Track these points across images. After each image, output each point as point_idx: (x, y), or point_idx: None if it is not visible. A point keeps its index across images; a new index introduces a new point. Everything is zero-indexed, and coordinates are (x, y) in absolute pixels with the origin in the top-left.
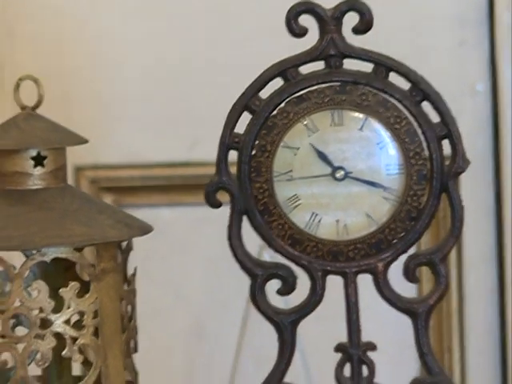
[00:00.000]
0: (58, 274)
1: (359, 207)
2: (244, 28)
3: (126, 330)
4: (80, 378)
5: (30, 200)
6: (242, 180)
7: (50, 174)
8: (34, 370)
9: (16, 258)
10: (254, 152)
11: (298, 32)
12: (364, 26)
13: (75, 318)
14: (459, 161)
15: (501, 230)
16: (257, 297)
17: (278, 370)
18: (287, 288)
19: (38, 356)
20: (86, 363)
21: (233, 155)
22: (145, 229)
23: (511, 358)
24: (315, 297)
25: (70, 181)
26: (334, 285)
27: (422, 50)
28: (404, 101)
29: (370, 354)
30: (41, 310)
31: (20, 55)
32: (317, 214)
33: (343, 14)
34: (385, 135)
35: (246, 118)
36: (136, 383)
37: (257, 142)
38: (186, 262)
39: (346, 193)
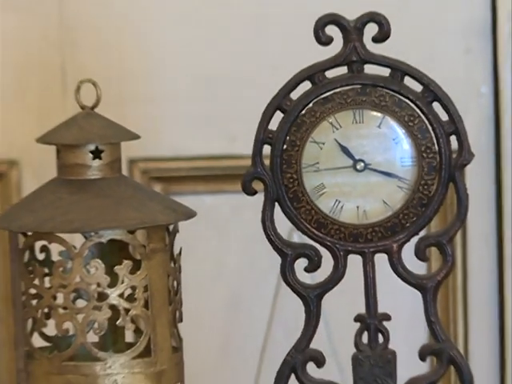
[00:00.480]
0: (113, 253)
1: (377, 195)
2: (277, 37)
3: (172, 302)
4: (132, 345)
5: (88, 188)
6: (274, 171)
7: (107, 165)
8: (92, 338)
9: (77, 240)
10: (285, 146)
11: (324, 41)
12: (382, 36)
13: (128, 291)
14: (465, 154)
15: (500, 215)
16: (287, 274)
17: (304, 338)
18: (313, 266)
19: (96, 325)
20: (137, 331)
21: (266, 149)
22: (189, 213)
23: (510, 327)
24: (337, 274)
25: (124, 171)
26: (354, 263)
27: (433, 57)
28: (417, 101)
29: (385, 323)
30: (98, 285)
31: (80, 61)
32: (340, 201)
33: (364, 24)
34: (400, 132)
35: (278, 116)
36: (181, 349)
37: (287, 137)
38: (224, 243)
39: (365, 182)
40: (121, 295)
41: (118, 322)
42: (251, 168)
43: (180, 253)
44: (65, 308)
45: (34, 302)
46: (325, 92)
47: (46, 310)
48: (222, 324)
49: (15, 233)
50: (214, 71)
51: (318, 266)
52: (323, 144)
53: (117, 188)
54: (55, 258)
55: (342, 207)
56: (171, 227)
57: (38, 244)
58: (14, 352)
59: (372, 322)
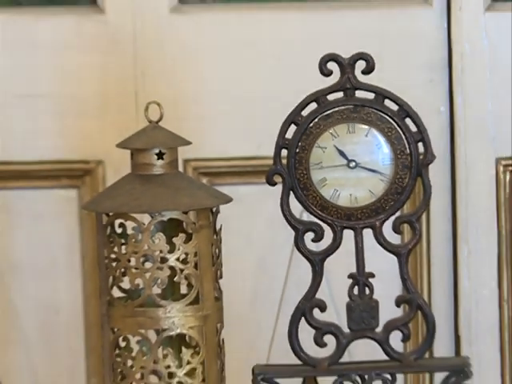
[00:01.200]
0: (171, 228)
1: (364, 186)
2: (293, 71)
3: (214, 264)
4: (185, 295)
5: (154, 181)
6: (289, 168)
7: (167, 164)
8: (156, 290)
9: (145, 218)
10: (297, 150)
11: (326, 73)
12: (369, 69)
13: (182, 256)
14: (429, 156)
15: (454, 200)
16: (299, 243)
17: (311, 291)
18: (318, 238)
19: (159, 281)
20: (189, 285)
21: (284, 152)
22: (227, 199)
23: (461, 283)
24: (335, 244)
25: (180, 169)
26: (348, 237)
27: (406, 85)
28: (394, 117)
29: (371, 279)
30: (160, 252)
31: (148, 88)
32: (337, 190)
33: (355, 61)
34: (381, 139)
35: (292, 128)
36: (221, 299)
37: (299, 143)
38: (253, 221)
39: (356, 176)
40: (177, 259)
41: (175, 279)
42: (273, 166)
43: (220, 228)
44: (136, 268)
45: (114, 264)
46: (326, 110)
47: (122, 270)
48: (251, 281)
49: (100, 213)
50: (247, 95)
51: (322, 238)
52: (325, 148)
53: (174, 181)
54: (129, 231)
55: (339, 195)
56: (214, 209)
57: (117, 221)
58: (99, 301)
59: (361, 278)
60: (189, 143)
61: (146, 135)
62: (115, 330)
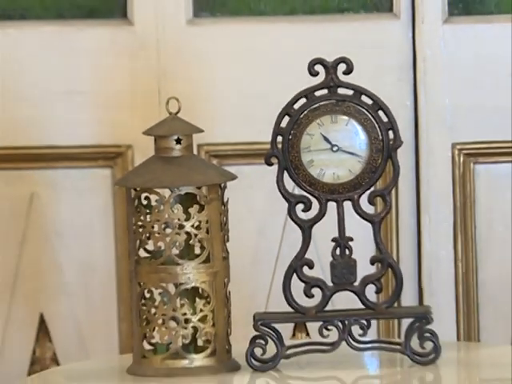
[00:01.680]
0: (187, 200)
1: (345, 166)
2: (288, 73)
3: (222, 229)
4: (198, 255)
5: (173, 162)
6: (284, 151)
7: (184, 148)
8: (175, 251)
9: (166, 193)
10: (290, 137)
11: (313, 73)
12: (349, 71)
13: (196, 223)
14: (397, 142)
15: (418, 179)
16: (291, 213)
17: (301, 251)
18: (307, 208)
19: (177, 244)
20: (202, 247)
21: (279, 139)
22: (233, 177)
23: (424, 243)
24: (321, 213)
25: (195, 152)
26: (332, 207)
27: (379, 82)
28: (369, 110)
29: (350, 243)
30: (178, 220)
31: (169, 86)
32: (323, 170)
33: (337, 64)
34: (359, 128)
35: (286, 119)
36: (227, 258)
37: (292, 131)
38: (254, 195)
39: (338, 158)
40: (192, 226)
41: (190, 242)
42: (270, 150)
43: (227, 201)
44: (158, 233)
45: (140, 230)
46: (314, 104)
47: (147, 235)
48: (252, 244)
49: (129, 188)
50: (249, 92)
51: (310, 209)
52: (313, 135)
53: (190, 162)
54: (153, 203)
55: (324, 173)
56: (222, 185)
57: (143, 195)
58: (128, 260)
59: (342, 242)
60: (201, 131)
61: (167, 124)
62: (141, 283)
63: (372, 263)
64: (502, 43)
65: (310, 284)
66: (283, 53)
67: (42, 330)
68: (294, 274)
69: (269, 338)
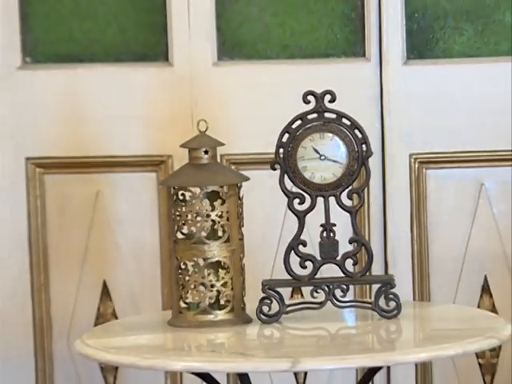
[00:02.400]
0: (213, 196)
1: (330, 170)
2: (289, 101)
3: (239, 218)
4: (221, 237)
5: (202, 167)
6: (284, 160)
7: (210, 157)
8: (203, 234)
9: (197, 190)
10: (289, 149)
11: (306, 102)
12: (333, 100)
13: (219, 213)
14: (369, 152)
15: (384, 180)
16: (290, 205)
17: (297, 234)
18: (301, 202)
19: (205, 228)
20: (223, 231)
21: (281, 150)
22: (246, 178)
23: (388, 229)
24: (312, 205)
25: (218, 160)
26: (320, 201)
27: (355, 108)
28: (348, 129)
29: (334, 228)
30: (206, 210)
31: (200, 111)
32: (313, 173)
33: (324, 94)
34: (340, 142)
35: (286, 136)
36: (243, 239)
37: (290, 145)
38: (262, 192)
39: (324, 165)
40: (216, 215)
41: (214, 227)
42: (274, 158)
43: (242, 196)
44: (191, 221)
45: (178, 218)
46: (307, 124)
47: (182, 222)
48: (261, 228)
49: (169, 187)
50: (259, 116)
51: (304, 202)
52: (306, 148)
53: (214, 167)
54: (187, 198)
55: (314, 176)
56: (238, 185)
57: (180, 192)
58: (169, 240)
59: (327, 226)
60: (223, 144)
61: (198, 140)
62: (178, 258)
63: (350, 243)
64: (446, 79)
65: (303, 258)
66: (284, 86)
67: (105, 292)
68: (292, 251)
69: (273, 299)
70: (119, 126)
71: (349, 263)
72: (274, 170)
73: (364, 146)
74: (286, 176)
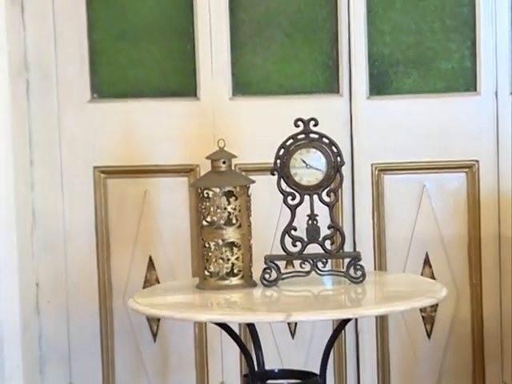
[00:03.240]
0: (229, 194)
1: (314, 176)
2: (284, 125)
3: (248, 210)
4: (234, 224)
5: (221, 174)
6: (281, 168)
7: (227, 166)
8: (222, 221)
9: (217, 190)
10: (284, 160)
11: (296, 126)
12: (316, 124)
13: (233, 207)
14: (342, 162)
15: (353, 184)
16: (284, 201)
17: (290, 222)
18: (293, 198)
19: (223, 218)
20: (236, 220)
21: (278, 161)
22: (252, 181)
23: (356, 218)
24: (301, 201)
25: (233, 168)
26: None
27: (332, 130)
28: (327, 146)
29: (317, 217)
30: (223, 204)
31: (219, 132)
32: (302, 178)
33: (310, 121)
34: (321, 155)
35: (282, 150)
36: (250, 226)
37: (285, 157)
38: (264, 191)
39: (309, 172)
40: (231, 208)
41: (230, 217)
42: (273, 167)
43: (250, 194)
44: (213, 212)
45: (203, 210)
46: (297, 142)
47: (206, 213)
48: (263, 219)
49: (197, 188)
50: (263, 136)
51: (295, 198)
52: (296, 159)
53: (230, 173)
54: (210, 196)
55: (302, 179)
56: (247, 186)
57: (205, 191)
58: (197, 226)
59: (312, 216)
60: (236, 156)
61: (218, 154)
62: (203, 239)
63: (328, 228)
64: (397, 110)
65: (294, 239)
66: (280, 115)
67: (150, 264)
68: (286, 234)
69: (272, 269)
70: (161, 143)
71: (327, 243)
72: (273, 175)
73: (338, 158)
74: (281, 180)
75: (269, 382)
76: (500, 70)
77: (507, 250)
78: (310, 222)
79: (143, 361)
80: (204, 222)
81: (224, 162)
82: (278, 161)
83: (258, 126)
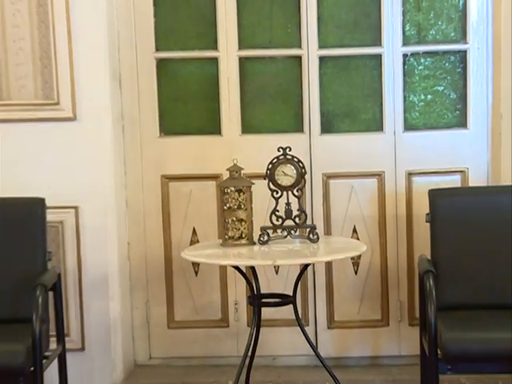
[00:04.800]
0: (239, 190)
1: (289, 180)
2: (271, 151)
3: (251, 200)
4: (243, 208)
5: (234, 178)
6: (269, 175)
7: (238, 174)
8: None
9: (233, 188)
10: (271, 171)
11: (278, 151)
12: (290, 150)
13: (242, 199)
14: (305, 172)
15: (312, 184)
16: (272, 195)
17: (275, 207)
18: (277, 193)
19: (236, 205)
20: (245, 206)
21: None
22: (253, 183)
23: (313, 204)
24: (281, 194)
25: (242, 175)
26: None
27: (300, 155)
28: (297, 162)
29: (291, 204)
30: (236, 196)
31: (234, 154)
32: (282, 181)
33: (286, 148)
34: (293, 168)
35: (270, 165)
36: (252, 210)
37: (272, 169)
38: (260, 189)
39: (286, 178)
40: (241, 199)
41: (240, 204)
42: (265, 175)
43: (252, 191)
44: (230, 201)
45: (224, 200)
46: (278, 160)
47: (226, 202)
48: (260, 206)
49: (221, 186)
50: (259, 157)
51: (278, 193)
52: (279, 170)
53: (240, 178)
54: (229, 192)
55: (282, 182)
56: (251, 186)
57: (225, 189)
58: (221, 210)
59: (288, 204)
60: (243, 169)
61: (233, 167)
62: (224, 217)
63: (297, 211)
64: (339, 143)
65: (277, 217)
66: (269, 144)
67: (194, 232)
68: (273, 214)
69: (265, 234)
70: (199, 160)
71: (297, 220)
72: (265, 179)
73: (303, 169)
74: (270, 182)
75: (262, 300)
76: (397, 118)
77: (402, 223)
78: (286, 207)
79: (190, 288)
80: (225, 207)
81: (236, 172)
82: (268, 171)
83: (256, 151)
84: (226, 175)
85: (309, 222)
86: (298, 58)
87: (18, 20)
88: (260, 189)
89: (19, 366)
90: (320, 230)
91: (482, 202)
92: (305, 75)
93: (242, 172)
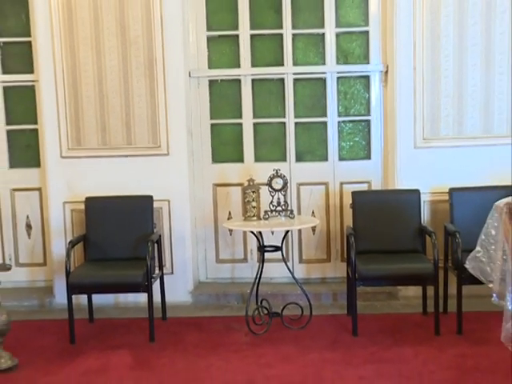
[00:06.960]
0: (253, 191)
1: (279, 185)
2: (267, 173)
3: (259, 196)
4: (254, 200)
5: (250, 186)
6: (269, 184)
7: (252, 185)
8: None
9: (250, 189)
10: (270, 181)
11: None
12: (279, 170)
13: (255, 196)
14: (287, 182)
15: (290, 188)
16: (270, 194)
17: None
18: (273, 193)
19: (251, 199)
20: (257, 200)
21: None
22: (260, 187)
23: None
24: (275, 193)
25: (254, 183)
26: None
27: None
28: (282, 178)
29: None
30: (251, 194)
31: (250, 174)
32: (275, 187)
33: (277, 171)
34: (281, 180)
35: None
36: (260, 201)
37: (270, 180)
38: (264, 191)
39: (278, 185)
40: (254, 196)
41: (253, 198)
42: (267, 183)
43: (260, 192)
44: (248, 197)
45: (245, 197)
46: (274, 176)
47: (246, 196)
48: (264, 199)
49: (243, 189)
50: (264, 175)
51: (273, 193)
52: (274, 181)
53: (253, 185)
54: (248, 192)
55: (276, 187)
56: (259, 189)
57: (246, 190)
58: (243, 202)
59: (278, 198)
60: (254, 180)
61: (249, 180)
62: (245, 205)
63: (283, 202)
64: (308, 167)
65: (273, 205)
66: (268, 168)
67: (229, 213)
68: (270, 204)
69: (267, 214)
70: (234, 176)
71: (283, 207)
72: (267, 185)
73: (286, 180)
74: (269, 187)
75: (265, 248)
76: (335, 154)
77: (337, 209)
78: (278, 200)
79: (227, 242)
80: (245, 200)
81: (251, 182)
82: (268, 181)
83: (263, 172)
84: (245, 183)
85: (289, 208)
86: (283, 124)
87: (140, 90)
88: (264, 190)
89: (140, 282)
90: (295, 212)
91: (379, 197)
92: (287, 131)
93: (254, 181)
